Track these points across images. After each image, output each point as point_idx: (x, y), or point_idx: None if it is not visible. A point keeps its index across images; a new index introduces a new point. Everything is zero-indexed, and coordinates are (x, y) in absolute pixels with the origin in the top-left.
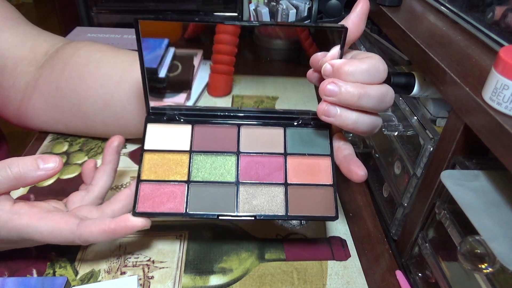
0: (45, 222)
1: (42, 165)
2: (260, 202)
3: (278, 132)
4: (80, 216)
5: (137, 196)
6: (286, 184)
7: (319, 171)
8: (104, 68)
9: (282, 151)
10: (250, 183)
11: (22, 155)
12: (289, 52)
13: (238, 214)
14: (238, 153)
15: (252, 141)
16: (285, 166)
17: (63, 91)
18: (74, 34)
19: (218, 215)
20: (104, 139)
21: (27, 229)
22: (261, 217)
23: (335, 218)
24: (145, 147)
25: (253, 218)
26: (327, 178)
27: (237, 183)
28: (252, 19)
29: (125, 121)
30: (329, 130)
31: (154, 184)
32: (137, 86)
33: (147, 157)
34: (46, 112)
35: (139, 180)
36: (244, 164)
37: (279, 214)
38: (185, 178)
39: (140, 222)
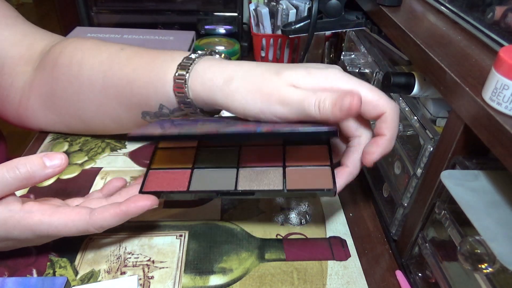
0: (58, 216)
1: (49, 163)
2: (259, 182)
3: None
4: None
5: (144, 180)
6: (284, 166)
7: (317, 156)
8: (86, 71)
9: (281, 144)
10: (250, 167)
11: (22, 155)
12: None
13: (238, 189)
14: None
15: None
16: (284, 153)
17: (56, 93)
18: (74, 34)
19: (218, 192)
20: (105, 139)
21: (40, 226)
22: (260, 193)
23: (332, 191)
24: (159, 146)
25: (252, 194)
26: (324, 161)
27: (238, 167)
28: (252, 19)
29: (122, 122)
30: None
31: (162, 171)
32: (121, 92)
33: (159, 153)
34: (44, 113)
35: (149, 168)
36: (245, 154)
37: (277, 188)
38: (190, 166)
39: (150, 201)
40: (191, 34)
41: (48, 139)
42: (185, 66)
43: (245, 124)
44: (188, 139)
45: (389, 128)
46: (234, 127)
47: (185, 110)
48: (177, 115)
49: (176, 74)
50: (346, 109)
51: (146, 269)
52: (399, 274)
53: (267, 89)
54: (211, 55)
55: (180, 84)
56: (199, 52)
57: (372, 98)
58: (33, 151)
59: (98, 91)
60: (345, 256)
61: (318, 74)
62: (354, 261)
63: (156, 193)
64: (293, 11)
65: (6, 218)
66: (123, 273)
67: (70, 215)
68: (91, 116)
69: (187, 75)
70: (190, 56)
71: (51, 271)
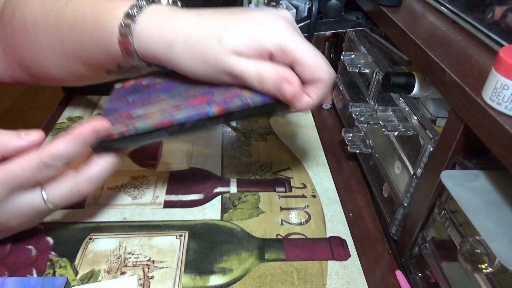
0: (10, 163)
1: (24, 136)
2: None
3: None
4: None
5: None
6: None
7: None
8: (42, 37)
9: None
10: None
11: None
12: None
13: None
14: None
15: None
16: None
17: (24, 59)
18: None
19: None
20: None
21: None
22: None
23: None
24: None
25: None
26: None
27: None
28: None
29: (91, 79)
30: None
31: None
32: (80, 56)
33: None
34: (26, 75)
35: None
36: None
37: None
38: None
39: (101, 122)
40: None
41: (48, 138)
42: (126, 28)
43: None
44: (146, 136)
45: (317, 95)
46: (188, 106)
47: (143, 67)
48: (137, 70)
49: (120, 38)
50: (285, 95)
51: (146, 269)
52: (399, 274)
53: (210, 59)
54: (154, 1)
55: (126, 47)
56: (140, 2)
57: (312, 63)
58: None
59: (60, 56)
60: (345, 256)
61: (260, 34)
62: (354, 261)
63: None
64: (293, 11)
65: None
66: (123, 273)
67: (21, 157)
68: (62, 76)
69: (131, 40)
70: (130, 13)
71: (51, 271)
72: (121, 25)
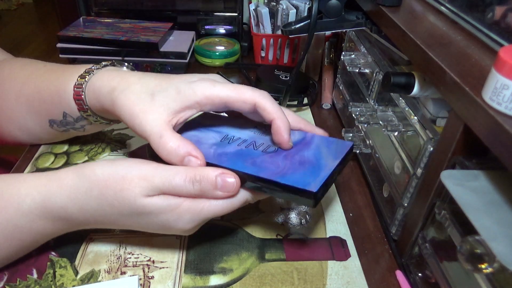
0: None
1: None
2: None
3: None
4: None
5: None
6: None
7: None
8: (6, 84)
9: None
10: None
11: (22, 156)
12: None
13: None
14: None
15: None
16: None
17: None
18: None
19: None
20: (105, 139)
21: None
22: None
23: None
24: None
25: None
26: None
27: None
28: (252, 19)
29: (30, 131)
30: None
31: None
32: (31, 100)
33: None
34: None
35: None
36: None
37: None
38: None
39: None
40: (191, 34)
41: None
42: (84, 76)
43: None
44: None
45: (270, 112)
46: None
47: (87, 118)
48: (81, 124)
49: (76, 83)
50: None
51: (146, 269)
52: (399, 274)
53: (137, 111)
54: (114, 65)
55: (78, 92)
56: (103, 63)
57: (237, 96)
58: (33, 152)
59: (13, 99)
60: (345, 256)
61: (187, 92)
62: (354, 261)
63: None
64: (293, 11)
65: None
66: (123, 273)
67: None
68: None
69: (84, 84)
70: (91, 68)
71: (51, 271)
72: (82, 73)
